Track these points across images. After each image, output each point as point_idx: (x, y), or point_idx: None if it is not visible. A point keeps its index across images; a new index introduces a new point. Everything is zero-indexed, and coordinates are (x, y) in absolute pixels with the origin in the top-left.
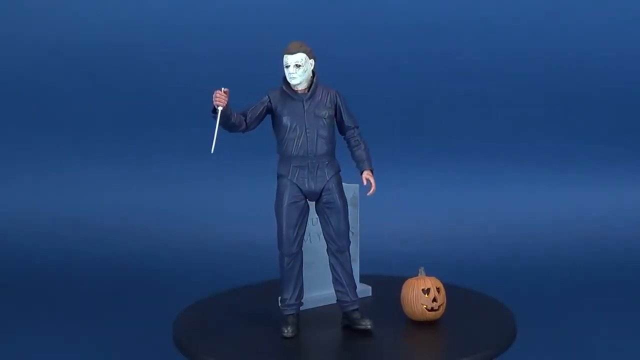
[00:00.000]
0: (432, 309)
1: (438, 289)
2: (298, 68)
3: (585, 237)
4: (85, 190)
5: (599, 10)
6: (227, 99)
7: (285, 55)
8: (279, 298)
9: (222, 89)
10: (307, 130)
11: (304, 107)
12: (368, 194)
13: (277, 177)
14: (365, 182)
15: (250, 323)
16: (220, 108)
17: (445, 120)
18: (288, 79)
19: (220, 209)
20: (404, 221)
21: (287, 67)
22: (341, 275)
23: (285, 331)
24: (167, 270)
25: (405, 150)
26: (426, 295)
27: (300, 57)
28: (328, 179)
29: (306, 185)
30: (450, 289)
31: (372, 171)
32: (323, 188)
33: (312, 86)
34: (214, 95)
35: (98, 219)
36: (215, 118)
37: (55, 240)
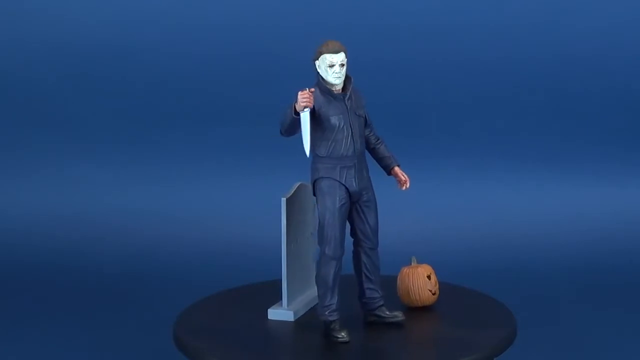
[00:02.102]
0: (434, 293)
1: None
2: (342, 67)
3: (585, 237)
4: (85, 190)
5: (599, 10)
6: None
7: (329, 55)
8: (320, 305)
9: (308, 89)
10: (352, 130)
11: (346, 106)
12: (404, 188)
13: (318, 179)
14: (402, 177)
15: (251, 323)
16: (307, 109)
17: (445, 120)
18: (332, 79)
19: (220, 209)
20: (404, 221)
21: (332, 66)
22: (371, 272)
23: (341, 336)
24: (167, 270)
25: (405, 150)
26: (430, 280)
27: (343, 56)
28: (367, 177)
29: (354, 185)
30: (450, 289)
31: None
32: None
33: (350, 86)
34: (300, 96)
35: (98, 219)
36: (299, 119)
37: (55, 240)
